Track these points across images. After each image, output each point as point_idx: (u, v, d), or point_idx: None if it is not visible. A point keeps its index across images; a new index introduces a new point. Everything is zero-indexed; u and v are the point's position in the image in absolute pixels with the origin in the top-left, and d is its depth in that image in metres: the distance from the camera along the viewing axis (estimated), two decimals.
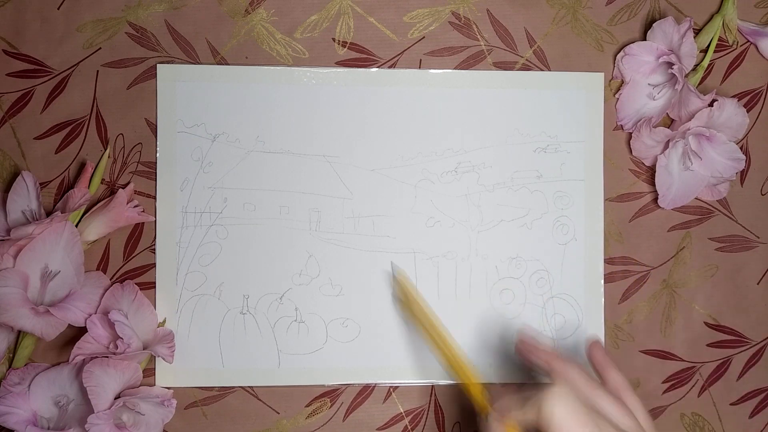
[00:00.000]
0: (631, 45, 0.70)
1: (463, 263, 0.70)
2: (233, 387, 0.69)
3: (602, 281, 0.71)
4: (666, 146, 0.69)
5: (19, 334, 0.65)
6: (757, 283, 0.73)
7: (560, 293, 0.71)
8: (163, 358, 0.66)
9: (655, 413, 0.71)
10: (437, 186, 0.70)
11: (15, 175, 0.67)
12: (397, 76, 0.70)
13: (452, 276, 0.70)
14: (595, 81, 0.71)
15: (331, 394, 0.69)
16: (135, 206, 0.67)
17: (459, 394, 0.70)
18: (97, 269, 0.68)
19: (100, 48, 0.69)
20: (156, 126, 0.68)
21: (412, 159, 0.70)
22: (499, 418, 0.59)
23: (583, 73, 0.71)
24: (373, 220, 0.69)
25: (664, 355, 0.72)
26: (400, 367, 0.70)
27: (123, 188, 0.67)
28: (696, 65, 0.71)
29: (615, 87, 0.72)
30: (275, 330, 0.69)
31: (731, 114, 0.68)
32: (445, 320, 0.69)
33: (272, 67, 0.69)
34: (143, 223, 0.68)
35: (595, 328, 0.71)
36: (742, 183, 0.72)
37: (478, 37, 0.71)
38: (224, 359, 0.69)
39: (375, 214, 0.69)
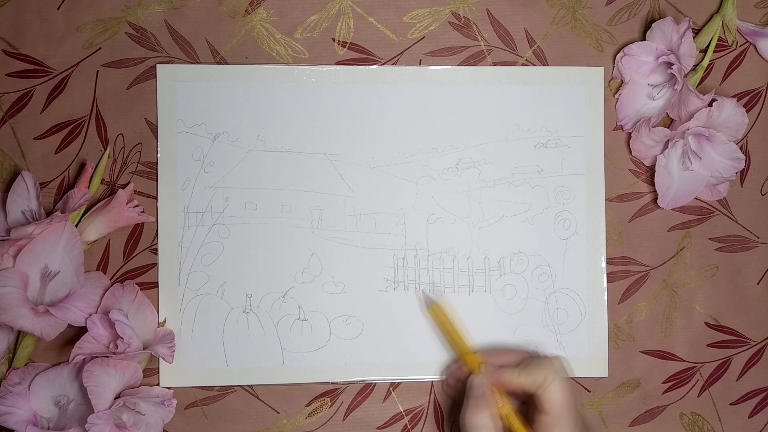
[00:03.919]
0: (631, 45, 0.70)
1: (465, 259, 0.70)
2: (234, 386, 0.69)
3: (604, 275, 0.71)
4: (665, 146, 0.69)
5: (19, 334, 0.65)
6: (757, 283, 0.73)
7: (562, 288, 0.71)
8: (163, 358, 0.65)
9: (654, 413, 0.72)
10: (438, 182, 0.70)
11: (15, 175, 0.67)
12: (397, 73, 0.70)
13: (454, 272, 0.70)
14: (595, 75, 0.71)
15: (331, 393, 0.69)
16: (135, 206, 0.67)
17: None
18: (97, 269, 0.68)
19: (100, 48, 0.69)
20: (156, 126, 0.68)
21: (412, 156, 0.70)
22: (489, 376, 0.64)
23: (583, 67, 0.71)
24: (375, 218, 0.69)
25: (665, 356, 0.72)
26: (402, 363, 0.70)
27: (123, 188, 0.67)
28: (695, 65, 0.71)
29: (614, 87, 0.72)
30: (278, 328, 0.69)
31: (730, 114, 0.68)
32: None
33: (272, 66, 0.69)
34: (143, 223, 0.68)
35: (598, 321, 0.71)
36: (741, 183, 0.72)
37: (478, 37, 0.71)
38: (228, 358, 0.68)
39: (376, 211, 0.69)
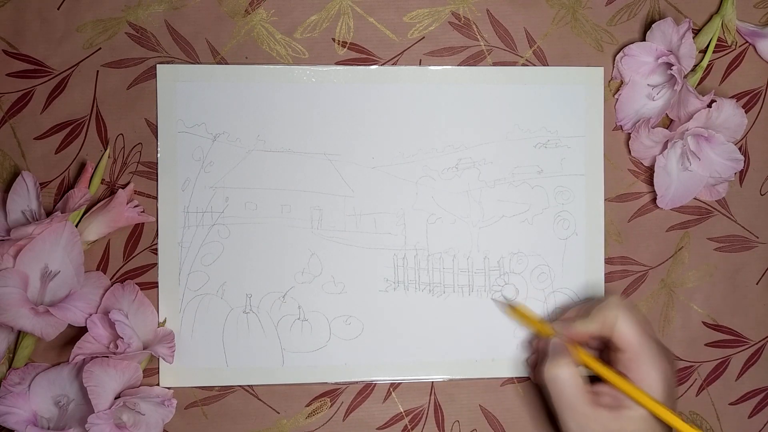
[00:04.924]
0: (631, 45, 0.70)
1: (465, 259, 0.70)
2: (234, 387, 0.69)
3: (603, 275, 0.71)
4: (665, 147, 0.69)
5: (19, 334, 0.65)
6: (756, 283, 0.73)
7: (561, 287, 0.71)
8: (163, 358, 0.65)
9: None
10: (438, 182, 0.70)
11: (15, 175, 0.67)
12: (397, 73, 0.70)
13: (454, 272, 0.70)
14: (595, 75, 0.71)
15: (331, 393, 0.69)
16: (135, 206, 0.67)
17: (458, 391, 0.70)
18: (97, 269, 0.68)
19: (100, 48, 0.69)
20: (156, 126, 0.68)
21: (412, 156, 0.70)
22: (562, 335, 0.65)
23: (583, 67, 0.71)
24: (375, 218, 0.69)
25: None
26: (403, 363, 0.70)
27: (123, 188, 0.67)
28: (695, 66, 0.71)
29: (614, 87, 0.72)
30: (278, 328, 0.69)
31: (729, 114, 0.68)
32: (447, 316, 0.70)
33: (272, 66, 0.69)
34: (143, 223, 0.68)
35: None
36: (741, 183, 0.73)
37: (478, 37, 0.71)
38: (228, 358, 0.68)
39: (376, 211, 0.69)
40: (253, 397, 0.69)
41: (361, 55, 0.70)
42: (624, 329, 0.62)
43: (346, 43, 0.70)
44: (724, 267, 0.73)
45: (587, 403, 0.61)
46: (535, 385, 0.71)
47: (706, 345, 0.72)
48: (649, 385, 0.61)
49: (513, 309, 0.69)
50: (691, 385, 0.72)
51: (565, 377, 0.61)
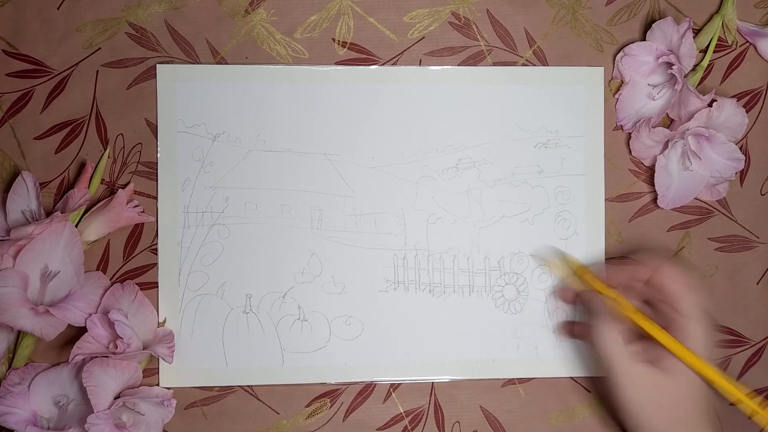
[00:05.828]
0: (631, 45, 0.70)
1: (465, 259, 0.70)
2: (233, 387, 0.69)
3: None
4: (665, 146, 0.69)
5: (19, 334, 0.65)
6: (757, 283, 0.73)
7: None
8: (163, 358, 0.65)
9: None
10: (438, 183, 0.70)
11: (15, 175, 0.67)
12: (397, 74, 0.70)
13: (454, 272, 0.70)
14: (595, 75, 0.71)
15: (331, 394, 0.69)
16: (135, 206, 0.67)
17: (459, 392, 0.70)
18: (97, 269, 0.68)
19: (100, 48, 0.69)
20: (156, 126, 0.68)
21: (412, 156, 0.70)
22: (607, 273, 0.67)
23: (583, 67, 0.71)
24: (375, 218, 0.69)
25: None
26: (403, 363, 0.70)
27: (123, 188, 0.67)
28: (695, 65, 0.71)
29: (615, 87, 0.72)
30: (278, 329, 0.69)
31: (730, 114, 0.68)
32: (448, 316, 0.70)
33: (272, 66, 0.69)
34: (143, 223, 0.68)
35: None
36: (741, 183, 0.72)
37: (478, 37, 0.71)
38: (228, 359, 0.68)
39: (376, 211, 0.69)
40: (253, 397, 0.69)
41: (361, 55, 0.70)
42: (675, 276, 0.63)
43: (346, 43, 0.70)
44: (724, 267, 0.73)
45: (632, 360, 0.61)
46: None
47: None
48: (693, 343, 0.61)
49: (563, 260, 0.70)
50: None
51: (614, 335, 0.62)
